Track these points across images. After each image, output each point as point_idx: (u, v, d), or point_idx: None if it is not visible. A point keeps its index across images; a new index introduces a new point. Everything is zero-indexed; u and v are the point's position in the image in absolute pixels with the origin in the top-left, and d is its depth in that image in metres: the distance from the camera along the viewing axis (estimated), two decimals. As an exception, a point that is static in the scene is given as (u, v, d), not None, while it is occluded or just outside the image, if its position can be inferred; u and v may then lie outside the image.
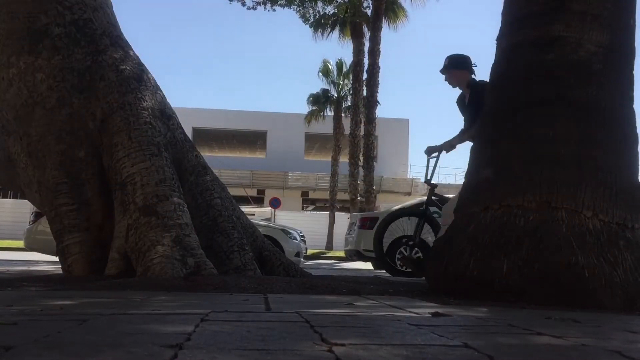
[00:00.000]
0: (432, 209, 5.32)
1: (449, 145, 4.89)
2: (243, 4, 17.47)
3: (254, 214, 19.98)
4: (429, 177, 5.01)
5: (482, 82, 4.57)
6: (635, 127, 3.43)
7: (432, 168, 5.02)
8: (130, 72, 4.42)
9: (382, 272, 7.70)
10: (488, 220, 3.22)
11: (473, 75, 4.79)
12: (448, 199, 5.02)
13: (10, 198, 25.63)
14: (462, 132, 4.79)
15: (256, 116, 33.11)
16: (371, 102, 20.54)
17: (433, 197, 5.04)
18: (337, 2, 22.44)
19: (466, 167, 3.74)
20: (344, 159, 24.99)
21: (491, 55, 3.78)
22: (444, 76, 4.81)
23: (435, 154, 5.08)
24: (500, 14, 3.73)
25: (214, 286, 3.26)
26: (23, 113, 4.30)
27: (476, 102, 4.50)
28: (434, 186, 5.04)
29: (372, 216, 11.45)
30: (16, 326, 1.68)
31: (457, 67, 4.76)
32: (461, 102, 4.85)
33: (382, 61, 20.63)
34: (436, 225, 4.99)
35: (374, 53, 20.50)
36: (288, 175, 31.93)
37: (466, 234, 3.27)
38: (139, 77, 4.47)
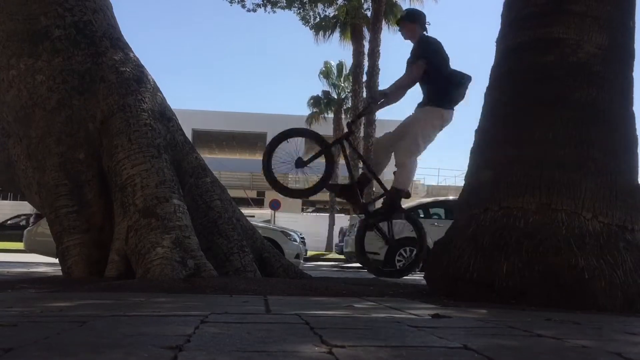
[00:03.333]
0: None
1: (381, 95, 4.82)
2: (243, 6, 17.48)
3: (253, 216, 19.96)
4: (351, 121, 5.01)
5: (430, 38, 4.66)
6: (635, 129, 3.43)
7: (361, 115, 5.00)
8: (130, 74, 4.42)
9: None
10: (488, 222, 3.22)
11: (425, 32, 4.85)
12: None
13: (10, 200, 25.63)
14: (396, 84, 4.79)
15: (256, 118, 33.11)
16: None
17: (344, 141, 4.93)
18: (337, 4, 22.47)
19: (466, 168, 3.75)
20: (343, 161, 24.97)
21: (491, 57, 3.79)
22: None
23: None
24: (500, 15, 3.74)
25: (214, 288, 3.26)
26: (23, 115, 4.30)
27: (414, 49, 4.59)
28: (352, 132, 4.98)
29: (372, 218, 11.43)
30: (16, 328, 1.68)
31: (411, 21, 4.82)
32: None
33: (382, 63, 20.63)
34: (330, 158, 4.86)
35: (374, 55, 20.51)
36: (288, 177, 31.88)
37: (466, 235, 3.27)
38: (139, 79, 4.47)
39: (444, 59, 4.67)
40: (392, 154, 4.69)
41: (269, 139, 5.26)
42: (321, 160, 4.70)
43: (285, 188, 4.76)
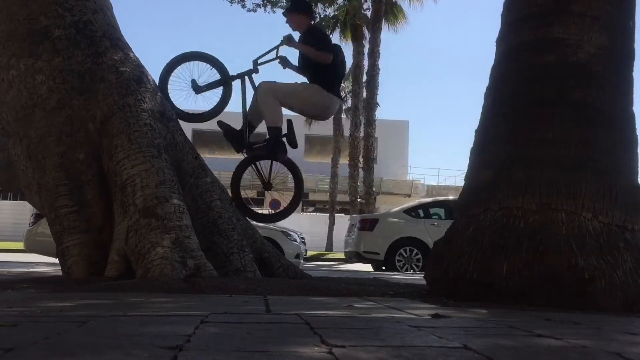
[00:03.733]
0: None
1: (288, 40, 4.82)
2: (243, 6, 17.48)
3: (253, 216, 19.91)
4: (257, 59, 4.88)
5: (319, 27, 4.82)
6: (635, 129, 3.43)
7: (267, 55, 4.89)
8: (130, 74, 4.42)
9: (382, 274, 7.70)
10: (488, 222, 3.22)
11: (312, 22, 4.91)
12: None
13: (10, 200, 25.63)
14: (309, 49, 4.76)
15: (256, 118, 33.07)
16: (371, 104, 20.58)
17: (246, 77, 4.90)
18: (337, 4, 22.47)
19: (466, 168, 3.75)
20: (343, 161, 25.00)
21: (491, 57, 3.79)
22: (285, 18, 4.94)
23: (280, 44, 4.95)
24: (500, 15, 3.74)
25: (214, 288, 3.26)
26: (23, 115, 4.30)
27: (315, 37, 4.73)
28: (256, 70, 4.90)
29: (372, 218, 11.46)
30: (16, 328, 1.68)
31: (300, 11, 4.84)
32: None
33: (381, 63, 20.69)
34: (228, 91, 4.87)
35: (374, 55, 20.54)
36: (288, 177, 31.81)
37: (466, 235, 3.27)
38: (139, 79, 4.47)
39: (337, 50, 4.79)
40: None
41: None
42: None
43: (177, 110, 4.76)
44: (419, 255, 10.19)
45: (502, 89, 3.55)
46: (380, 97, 21.93)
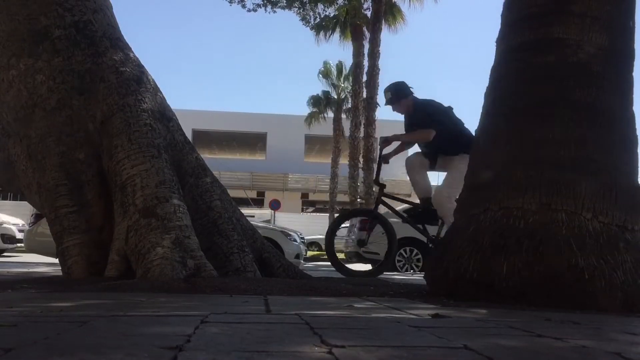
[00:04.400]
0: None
1: (384, 142, 5.27)
2: (243, 6, 17.49)
3: (253, 216, 19.97)
4: (375, 179, 5.22)
5: (427, 103, 5.18)
6: (635, 129, 3.43)
7: (379, 170, 5.20)
8: (130, 74, 4.42)
9: (382, 274, 7.69)
10: (488, 222, 3.22)
11: (414, 95, 5.27)
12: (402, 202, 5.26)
13: (10, 200, 25.64)
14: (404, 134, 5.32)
15: (256, 118, 33.12)
16: (371, 104, 20.58)
17: (383, 198, 5.19)
18: (337, 4, 22.46)
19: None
20: (343, 161, 25.02)
21: (491, 57, 3.79)
22: (390, 107, 5.34)
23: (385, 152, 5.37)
24: (500, 15, 3.74)
25: (214, 288, 3.26)
26: (23, 115, 4.30)
27: (418, 117, 5.18)
28: (383, 186, 5.16)
29: (372, 218, 11.42)
30: (16, 328, 1.68)
31: (402, 97, 5.24)
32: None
33: (381, 63, 20.67)
34: (389, 226, 5.23)
35: (374, 55, 20.53)
36: (288, 177, 31.91)
37: (466, 235, 3.27)
38: (139, 79, 4.47)
39: (445, 113, 5.09)
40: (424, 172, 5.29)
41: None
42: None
43: (366, 272, 5.07)
44: (419, 255, 10.19)
45: (502, 89, 3.55)
46: (381, 97, 21.94)
